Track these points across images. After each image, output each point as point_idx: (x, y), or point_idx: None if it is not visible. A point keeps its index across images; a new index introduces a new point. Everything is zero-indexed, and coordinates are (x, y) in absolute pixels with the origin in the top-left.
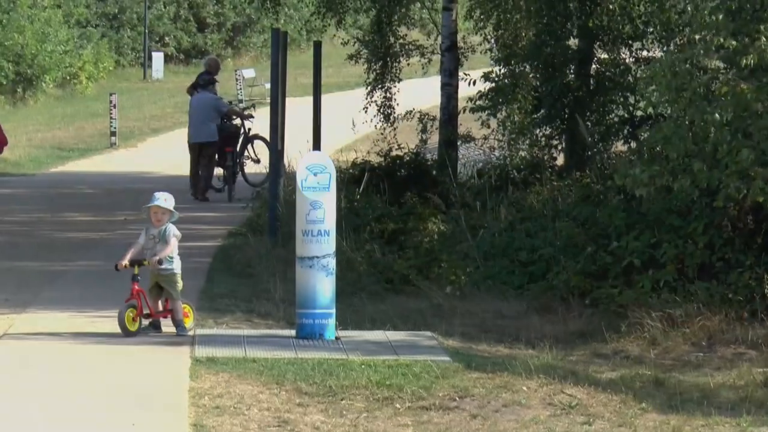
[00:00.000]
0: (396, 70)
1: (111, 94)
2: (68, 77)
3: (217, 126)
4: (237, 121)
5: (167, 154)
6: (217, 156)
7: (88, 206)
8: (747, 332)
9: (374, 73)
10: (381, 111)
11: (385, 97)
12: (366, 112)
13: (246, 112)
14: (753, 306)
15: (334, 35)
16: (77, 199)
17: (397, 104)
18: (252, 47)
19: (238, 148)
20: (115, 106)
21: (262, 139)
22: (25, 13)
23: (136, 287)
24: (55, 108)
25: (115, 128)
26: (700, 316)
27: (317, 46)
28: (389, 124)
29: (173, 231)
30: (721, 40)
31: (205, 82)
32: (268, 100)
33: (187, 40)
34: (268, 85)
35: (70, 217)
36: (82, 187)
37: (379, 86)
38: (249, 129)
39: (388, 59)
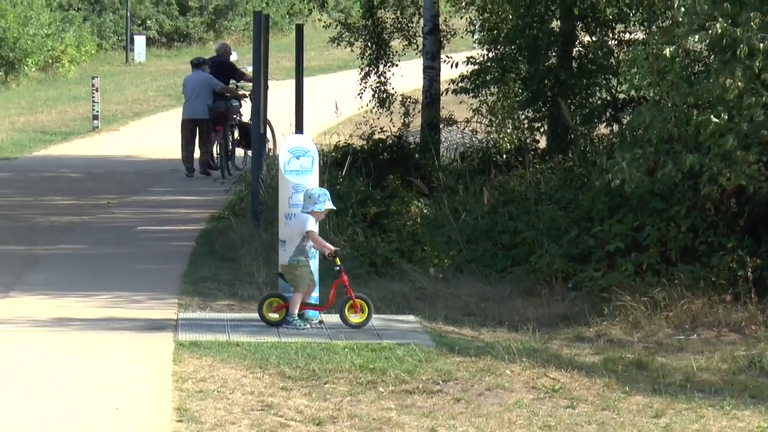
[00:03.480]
0: (390, 54)
1: (93, 78)
2: (50, 61)
3: (207, 106)
4: (235, 102)
5: (150, 137)
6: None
7: (70, 190)
8: (730, 315)
9: (368, 57)
10: (376, 96)
11: (379, 81)
12: (361, 97)
13: (241, 92)
14: (736, 289)
15: (319, 19)
16: (60, 183)
17: (393, 89)
18: (234, 30)
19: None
20: (97, 90)
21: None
22: None
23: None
24: (37, 91)
25: (97, 112)
26: (683, 299)
27: (299, 29)
28: (385, 109)
29: None
30: (707, 24)
31: (198, 63)
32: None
33: (169, 23)
34: (250, 68)
35: (53, 200)
36: (64, 170)
37: (374, 70)
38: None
39: (381, 43)
